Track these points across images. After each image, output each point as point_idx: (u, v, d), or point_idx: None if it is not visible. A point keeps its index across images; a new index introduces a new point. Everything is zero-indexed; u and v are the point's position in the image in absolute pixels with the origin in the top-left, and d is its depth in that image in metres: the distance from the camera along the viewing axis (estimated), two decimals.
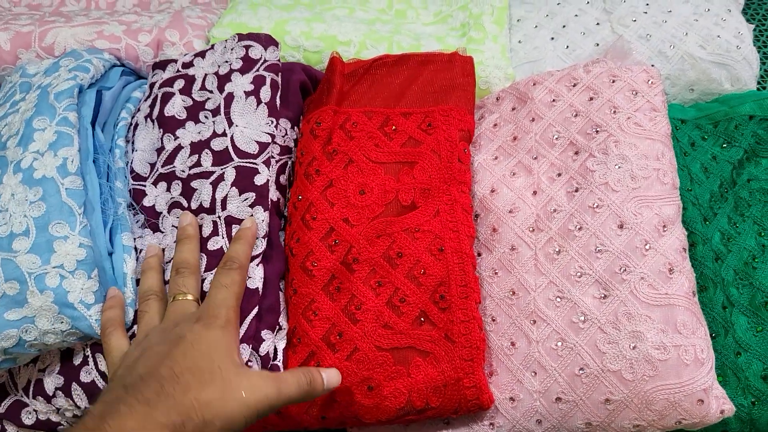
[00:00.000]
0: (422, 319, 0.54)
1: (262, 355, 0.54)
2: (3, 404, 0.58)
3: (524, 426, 0.54)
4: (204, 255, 0.56)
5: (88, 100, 0.61)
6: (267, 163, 0.58)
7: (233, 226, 0.56)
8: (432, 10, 0.79)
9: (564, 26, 0.77)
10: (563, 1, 0.80)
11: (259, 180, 0.57)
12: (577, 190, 0.59)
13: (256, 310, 0.54)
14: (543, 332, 0.54)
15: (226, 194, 0.57)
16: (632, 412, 0.51)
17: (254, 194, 0.57)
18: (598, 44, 0.75)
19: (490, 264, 0.59)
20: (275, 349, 0.55)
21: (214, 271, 0.55)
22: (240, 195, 0.57)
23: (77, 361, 0.56)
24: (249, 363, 0.52)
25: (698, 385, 0.50)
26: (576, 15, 0.78)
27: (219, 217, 0.57)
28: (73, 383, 0.55)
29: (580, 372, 0.52)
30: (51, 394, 0.56)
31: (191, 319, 0.49)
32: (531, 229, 0.59)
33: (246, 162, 0.58)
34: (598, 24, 0.76)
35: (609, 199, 0.57)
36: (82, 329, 0.53)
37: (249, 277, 0.54)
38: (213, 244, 0.56)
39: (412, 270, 0.55)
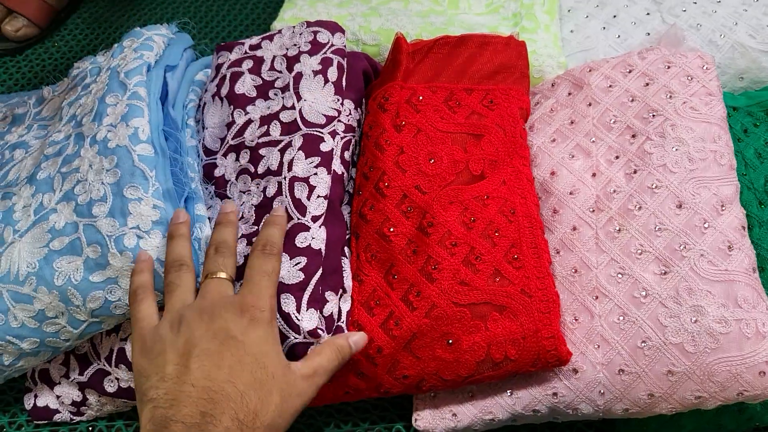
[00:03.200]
0: (498, 278, 0.56)
1: (326, 315, 0.55)
2: (86, 373, 0.61)
3: (587, 396, 0.55)
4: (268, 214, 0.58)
5: (155, 78, 0.64)
6: (332, 134, 0.61)
7: (296, 184, 0.57)
8: (484, 1, 0.82)
9: (614, 16, 0.79)
10: None
11: (324, 147, 0.59)
12: (635, 172, 0.61)
13: (320, 272, 0.55)
14: (605, 307, 0.56)
15: (293, 157, 0.59)
16: (694, 384, 0.53)
17: (319, 158, 0.59)
18: (648, 33, 0.76)
19: (552, 244, 0.61)
20: (339, 310, 0.57)
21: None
22: (306, 158, 0.59)
23: None
24: (318, 329, 0.53)
25: (760, 357, 0.51)
26: (626, 5, 0.79)
27: (284, 177, 0.58)
28: None
29: (643, 345, 0.54)
30: None
31: (234, 308, 0.49)
32: (591, 209, 0.60)
33: (313, 130, 0.60)
34: (648, 14, 0.78)
35: (667, 180, 0.59)
36: (157, 287, 0.55)
37: (313, 238, 0.55)
38: (278, 204, 0.58)
39: (486, 230, 0.57)
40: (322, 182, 0.58)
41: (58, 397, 0.62)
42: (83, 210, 0.56)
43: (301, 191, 0.57)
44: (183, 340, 0.48)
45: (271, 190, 0.59)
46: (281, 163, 0.59)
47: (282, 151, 0.60)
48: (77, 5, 1.06)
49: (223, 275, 0.52)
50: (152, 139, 0.59)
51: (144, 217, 0.55)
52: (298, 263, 0.54)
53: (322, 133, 0.60)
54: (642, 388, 0.54)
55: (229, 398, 0.45)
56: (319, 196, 0.57)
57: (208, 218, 0.60)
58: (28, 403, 0.63)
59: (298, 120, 0.61)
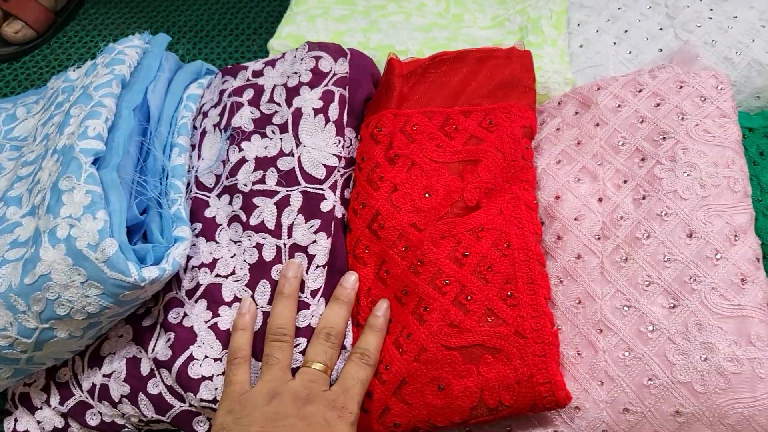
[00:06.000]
0: (491, 317, 0.53)
1: None
2: (67, 404, 0.58)
3: None
4: (267, 282, 0.56)
5: (134, 90, 0.62)
6: (333, 187, 0.58)
7: (296, 254, 0.56)
8: (489, 14, 0.79)
9: (626, 31, 0.76)
10: (624, 6, 0.79)
11: (325, 206, 0.57)
12: (644, 198, 0.58)
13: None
14: (610, 341, 0.53)
15: (293, 222, 0.57)
16: (703, 426, 0.50)
17: (320, 221, 0.57)
18: (661, 50, 0.73)
19: (555, 272, 0.58)
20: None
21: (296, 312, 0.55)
22: (306, 222, 0.57)
23: (144, 371, 0.56)
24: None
25: None
26: (638, 20, 0.76)
27: (284, 244, 0.56)
28: (140, 393, 0.56)
29: (649, 383, 0.51)
30: (117, 401, 0.56)
31: (326, 403, 0.51)
32: (597, 236, 0.58)
33: (313, 187, 0.58)
34: (661, 29, 0.75)
35: (677, 207, 0.56)
36: (94, 277, 0.51)
37: (312, 316, 0.55)
38: (276, 274, 0.56)
39: (478, 266, 0.54)
40: (321, 250, 0.56)
41: (39, 422, 0.60)
42: (36, 213, 0.54)
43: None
44: (273, 410, 0.50)
45: (268, 254, 0.57)
46: (279, 224, 0.57)
47: (279, 207, 0.58)
48: (75, 12, 1.04)
49: (321, 367, 0.53)
50: (105, 139, 0.56)
51: (76, 204, 0.51)
52: (298, 345, 0.54)
53: (322, 189, 0.58)
54: (648, 429, 0.51)
55: None
56: (318, 266, 0.55)
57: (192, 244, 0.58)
58: (8, 426, 0.61)
59: (297, 171, 0.58)
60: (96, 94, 0.59)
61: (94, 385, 0.57)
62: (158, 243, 0.55)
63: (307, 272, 0.55)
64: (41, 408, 0.60)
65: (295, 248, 0.56)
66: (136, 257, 0.52)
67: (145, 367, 0.56)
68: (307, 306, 0.55)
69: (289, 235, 0.56)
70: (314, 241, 0.56)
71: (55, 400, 0.59)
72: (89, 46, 1.00)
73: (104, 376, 0.57)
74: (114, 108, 0.58)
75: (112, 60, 0.63)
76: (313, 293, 0.55)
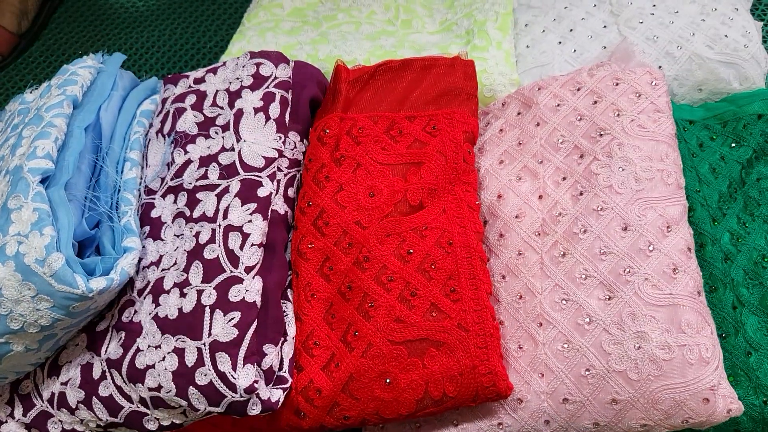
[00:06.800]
0: (434, 312, 0.55)
1: (265, 368, 0.55)
2: (29, 414, 0.60)
3: (532, 426, 0.54)
4: (200, 262, 0.57)
5: (86, 110, 0.63)
6: (272, 177, 0.60)
7: (230, 234, 0.57)
8: (437, 19, 0.81)
9: (571, 30, 0.78)
10: (570, 5, 0.80)
11: (262, 192, 0.59)
12: (581, 194, 0.59)
13: (255, 325, 0.54)
14: (549, 334, 0.55)
15: (229, 204, 0.58)
16: (639, 412, 0.52)
17: (256, 204, 0.58)
18: (605, 47, 0.75)
19: (498, 269, 0.60)
20: (281, 360, 0.56)
21: (211, 284, 0.56)
22: (242, 205, 0.58)
23: (96, 375, 0.58)
24: (254, 384, 0.53)
25: (704, 384, 0.50)
26: (583, 18, 0.78)
27: (219, 225, 0.58)
28: (93, 397, 0.57)
29: (587, 373, 0.53)
30: (74, 407, 0.58)
31: None
32: (537, 233, 0.59)
33: (251, 175, 0.60)
34: (605, 27, 0.77)
35: (613, 201, 0.58)
36: (43, 291, 0.52)
37: (246, 290, 0.55)
38: (209, 252, 0.57)
39: (422, 264, 0.56)
40: (257, 229, 0.57)
41: None
42: None
43: (234, 241, 0.57)
44: None
45: (204, 237, 0.58)
46: (217, 210, 0.59)
47: (219, 197, 0.59)
48: (39, 33, 1.06)
49: None
50: (54, 159, 0.57)
51: (24, 222, 0.53)
52: (232, 319, 0.54)
53: (260, 177, 0.60)
54: (587, 417, 0.53)
55: None
56: (253, 245, 0.57)
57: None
58: None
59: (237, 163, 0.60)
60: (47, 115, 0.61)
61: (53, 394, 0.59)
62: (109, 255, 0.57)
63: (242, 249, 0.56)
64: (6, 421, 0.61)
65: (230, 228, 0.57)
66: (85, 270, 0.54)
67: (97, 371, 0.58)
68: (240, 281, 0.55)
69: (225, 217, 0.58)
70: (249, 221, 0.57)
71: (18, 411, 0.60)
72: (54, 66, 1.01)
73: (62, 384, 0.59)
74: (65, 128, 0.60)
75: (64, 81, 0.65)
76: (248, 269, 0.56)
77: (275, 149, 0.61)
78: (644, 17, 0.76)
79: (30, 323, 0.53)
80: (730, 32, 0.72)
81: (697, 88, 0.73)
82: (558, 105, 0.65)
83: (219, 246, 0.57)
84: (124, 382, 0.56)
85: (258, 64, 0.65)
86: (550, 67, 0.76)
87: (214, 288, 0.55)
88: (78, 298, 0.52)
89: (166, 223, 0.61)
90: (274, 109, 0.62)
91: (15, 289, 0.52)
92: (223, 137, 0.62)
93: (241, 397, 0.52)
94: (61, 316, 0.53)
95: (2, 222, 0.54)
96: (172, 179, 0.63)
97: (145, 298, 0.58)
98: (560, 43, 0.77)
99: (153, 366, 0.55)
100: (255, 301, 0.55)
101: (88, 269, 0.55)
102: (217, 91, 0.65)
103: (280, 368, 0.56)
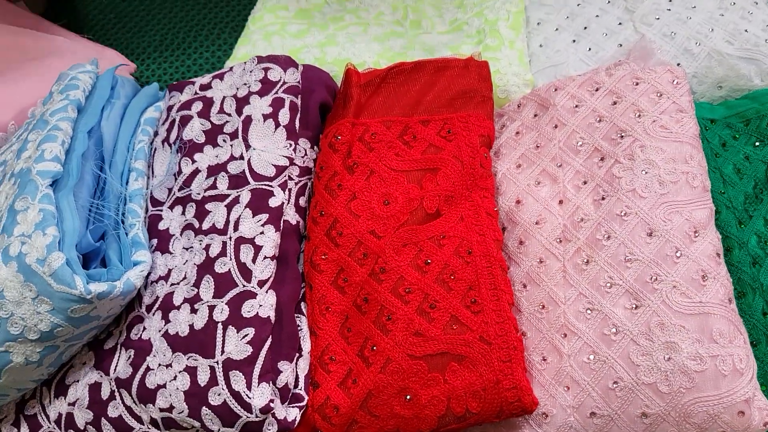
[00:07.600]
0: (455, 325, 0.53)
1: (280, 387, 0.53)
2: None
3: None
4: (211, 277, 0.56)
5: (89, 113, 0.62)
6: (283, 186, 0.58)
7: (242, 246, 0.55)
8: (447, 18, 0.79)
9: (585, 28, 0.76)
10: (583, 2, 0.78)
11: (273, 202, 0.57)
12: (603, 198, 0.57)
13: (269, 341, 0.52)
14: (574, 346, 0.53)
15: (240, 215, 0.56)
16: (670, 426, 0.50)
17: (267, 215, 0.56)
18: (621, 45, 0.73)
19: (519, 278, 0.58)
20: (296, 377, 0.54)
21: (223, 299, 0.54)
22: (254, 216, 0.56)
23: (105, 395, 0.56)
24: (270, 403, 0.51)
25: (738, 396, 0.48)
26: (597, 15, 0.76)
27: (230, 237, 0.56)
28: (102, 419, 0.55)
29: (614, 386, 0.51)
30: (82, 429, 0.56)
31: None
32: (558, 240, 0.57)
33: (262, 184, 0.58)
34: (620, 24, 0.75)
35: (637, 206, 0.56)
36: (43, 292, 0.51)
37: (260, 305, 0.53)
38: (221, 266, 0.56)
39: (441, 274, 0.54)
40: (270, 241, 0.55)
41: None
42: None
43: (246, 254, 0.55)
44: None
45: (215, 250, 0.56)
46: (227, 221, 0.57)
47: (229, 207, 0.57)
48: None
49: None
50: (66, 161, 0.56)
51: (29, 222, 0.52)
52: (246, 335, 0.52)
53: (271, 186, 0.58)
54: None
55: None
56: (266, 258, 0.55)
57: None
58: None
59: (247, 172, 0.58)
60: (52, 119, 0.60)
61: (60, 415, 0.57)
62: (116, 268, 0.55)
63: (254, 262, 0.55)
64: None
65: (241, 240, 0.56)
66: (87, 275, 0.52)
67: (105, 391, 0.56)
68: (253, 296, 0.54)
69: (235, 229, 0.56)
70: (261, 233, 0.55)
71: None
72: None
73: (69, 404, 0.57)
74: (70, 131, 0.59)
75: (66, 86, 0.64)
76: (261, 283, 0.54)
77: (286, 157, 0.59)
78: (660, 13, 0.74)
79: (29, 328, 0.52)
80: (750, 27, 0.70)
81: (717, 85, 0.71)
82: (576, 106, 0.63)
83: (230, 259, 0.55)
84: (134, 402, 0.54)
85: (266, 69, 0.63)
86: (565, 66, 0.73)
87: (226, 303, 0.54)
88: (76, 299, 0.51)
89: (174, 235, 0.59)
90: (284, 116, 0.60)
91: (17, 290, 0.51)
92: (231, 145, 0.60)
93: (257, 417, 0.50)
94: (60, 320, 0.52)
95: (8, 223, 0.53)
96: (179, 190, 0.61)
97: (154, 314, 0.56)
98: (574, 41, 0.75)
99: (164, 385, 0.53)
100: (269, 317, 0.53)
101: (93, 279, 0.53)
102: (224, 97, 0.63)
103: (296, 385, 0.54)
